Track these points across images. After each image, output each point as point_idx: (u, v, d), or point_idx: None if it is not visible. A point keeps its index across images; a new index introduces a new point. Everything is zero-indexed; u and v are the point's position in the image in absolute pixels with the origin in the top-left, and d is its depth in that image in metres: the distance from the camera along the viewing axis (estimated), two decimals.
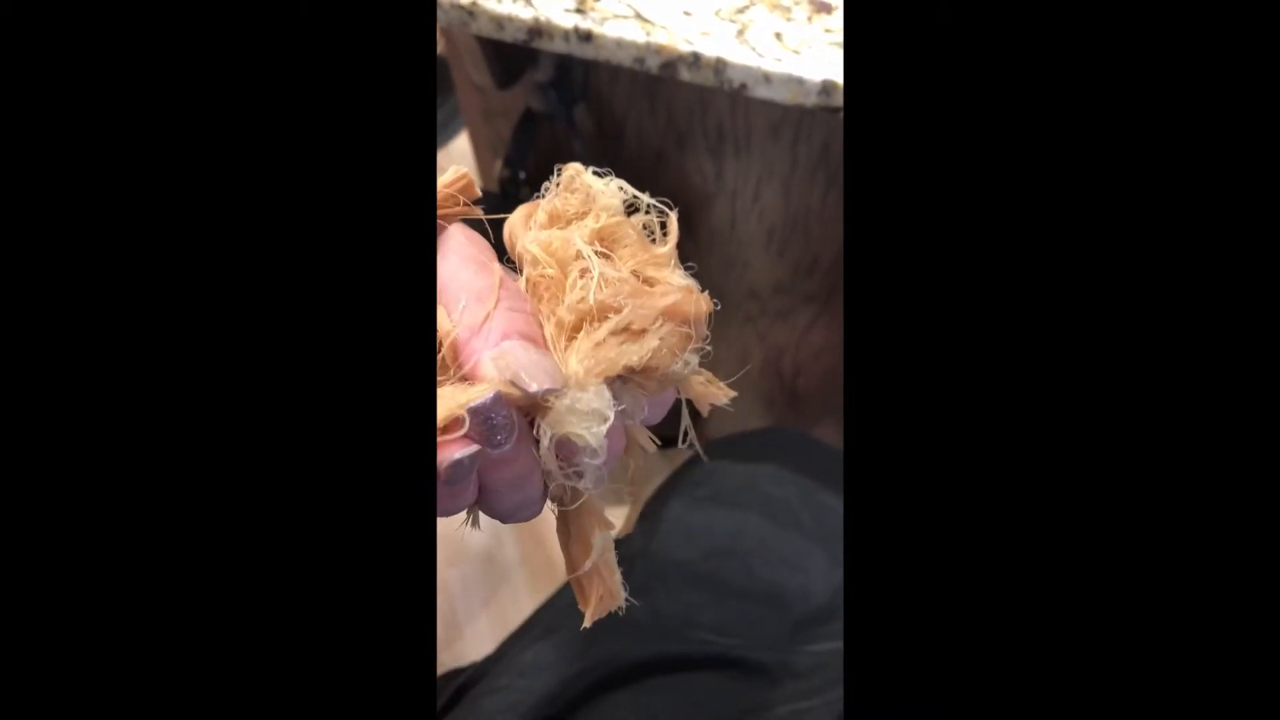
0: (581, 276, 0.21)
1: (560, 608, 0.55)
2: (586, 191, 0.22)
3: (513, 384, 0.19)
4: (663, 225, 0.23)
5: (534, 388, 0.19)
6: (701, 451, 0.25)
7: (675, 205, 0.23)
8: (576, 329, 0.20)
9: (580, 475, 0.21)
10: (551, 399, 0.19)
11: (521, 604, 1.06)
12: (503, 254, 0.23)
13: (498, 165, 0.86)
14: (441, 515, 0.20)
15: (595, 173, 0.23)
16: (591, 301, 0.20)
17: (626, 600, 0.24)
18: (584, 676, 0.44)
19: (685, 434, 0.24)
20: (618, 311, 0.20)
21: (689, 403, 0.24)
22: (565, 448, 0.20)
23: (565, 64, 0.79)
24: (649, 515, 0.57)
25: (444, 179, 0.21)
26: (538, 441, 0.20)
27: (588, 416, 0.19)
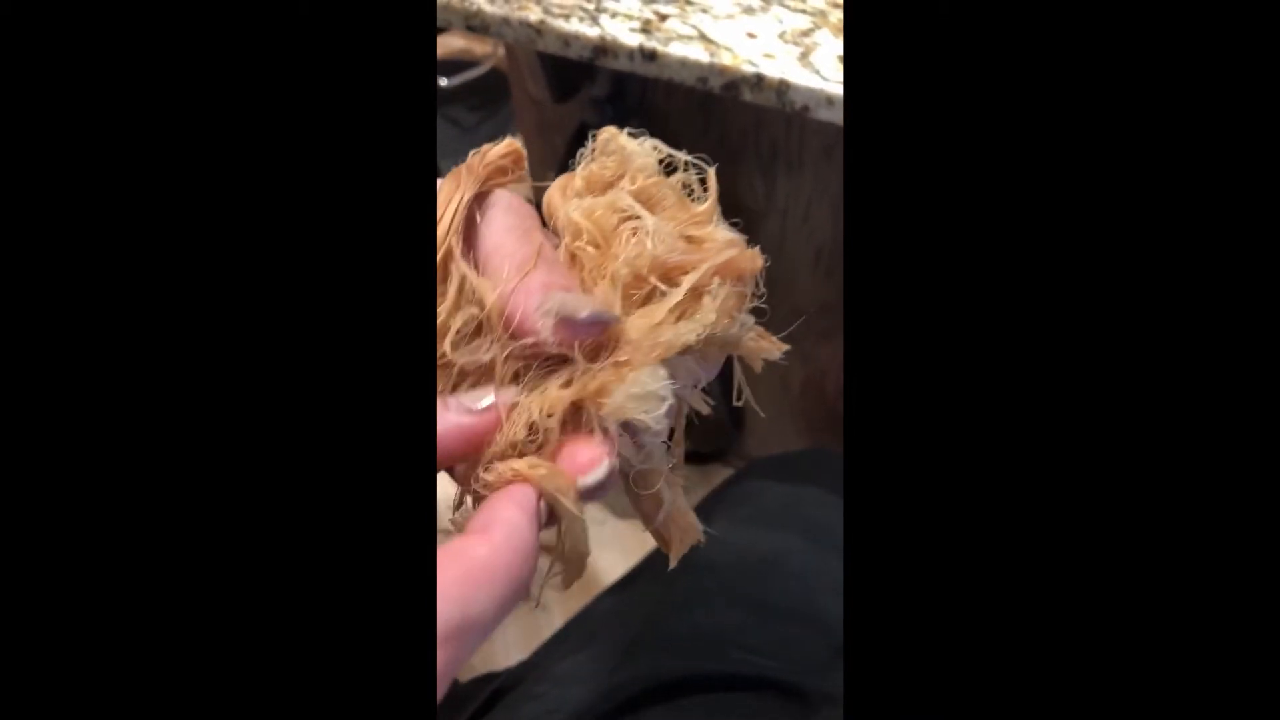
0: (633, 235, 0.21)
1: (594, 620, 0.55)
2: (622, 153, 0.22)
3: (563, 317, 0.19)
4: (702, 182, 0.22)
5: (584, 314, 0.19)
6: (753, 402, 0.24)
7: (713, 162, 0.22)
8: (633, 285, 0.20)
9: (649, 456, 0.21)
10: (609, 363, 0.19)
11: (551, 613, 1.07)
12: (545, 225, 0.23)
13: (550, 177, 0.88)
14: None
15: (630, 133, 0.22)
16: (649, 254, 0.20)
17: (704, 531, 0.24)
18: (621, 690, 0.44)
19: (739, 391, 0.24)
20: (673, 269, 0.20)
21: (739, 365, 0.24)
22: (628, 429, 0.20)
23: (621, 80, 0.80)
24: None
25: (495, 149, 0.22)
26: (604, 431, 0.20)
27: (646, 399, 0.19)
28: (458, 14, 0.53)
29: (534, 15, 0.51)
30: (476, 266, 0.21)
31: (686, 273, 0.20)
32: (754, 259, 0.21)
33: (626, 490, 0.23)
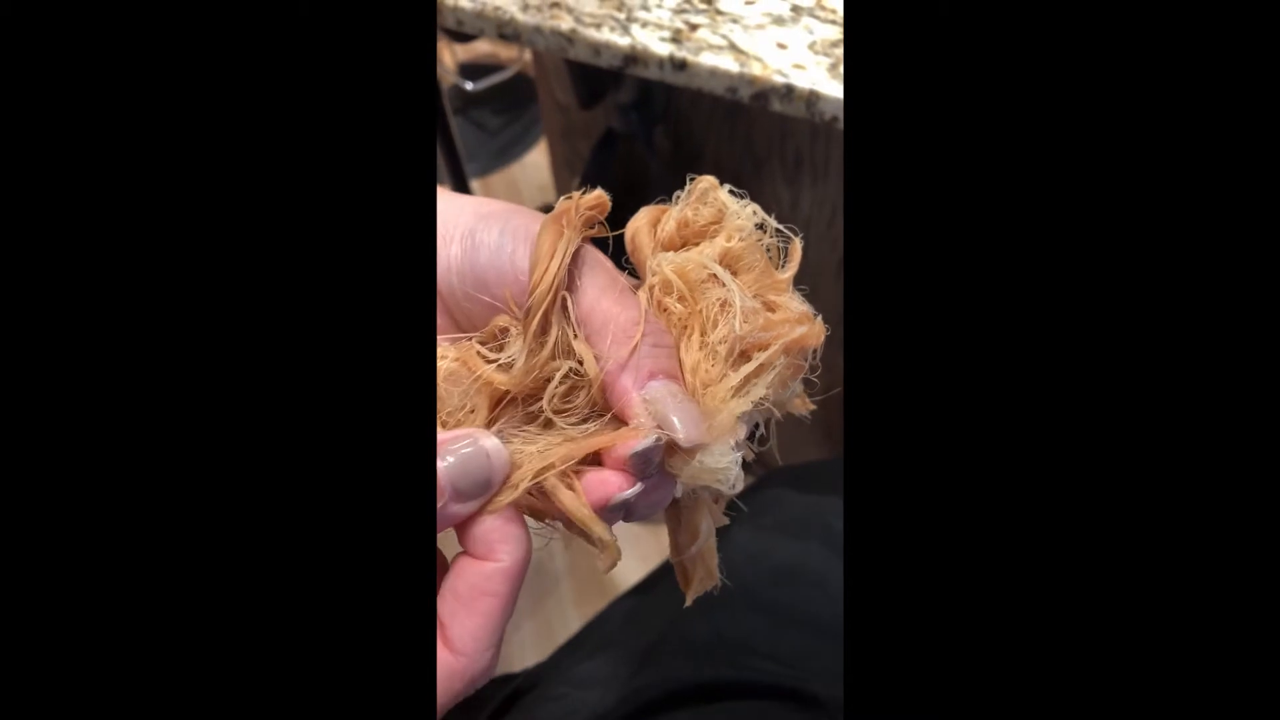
0: (722, 310, 0.21)
1: (612, 624, 0.55)
2: (720, 207, 0.23)
3: (661, 429, 0.20)
4: (783, 250, 0.23)
5: (681, 439, 0.20)
6: (776, 451, 0.26)
7: (798, 233, 0.23)
8: (721, 372, 0.21)
9: (700, 495, 0.23)
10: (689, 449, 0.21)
11: (567, 615, 1.07)
12: (620, 255, 0.24)
13: (574, 182, 0.88)
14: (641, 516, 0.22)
15: (731, 191, 0.23)
16: (735, 336, 0.21)
17: (721, 579, 0.25)
18: (640, 694, 0.44)
19: (763, 439, 0.25)
20: (753, 347, 0.21)
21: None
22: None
23: (648, 86, 0.81)
24: None
25: (587, 199, 0.22)
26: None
27: (719, 471, 0.21)
28: (490, 22, 0.54)
29: (566, 24, 0.51)
30: (573, 323, 0.21)
31: (759, 348, 0.22)
32: (819, 335, 0.22)
33: (667, 519, 0.24)
